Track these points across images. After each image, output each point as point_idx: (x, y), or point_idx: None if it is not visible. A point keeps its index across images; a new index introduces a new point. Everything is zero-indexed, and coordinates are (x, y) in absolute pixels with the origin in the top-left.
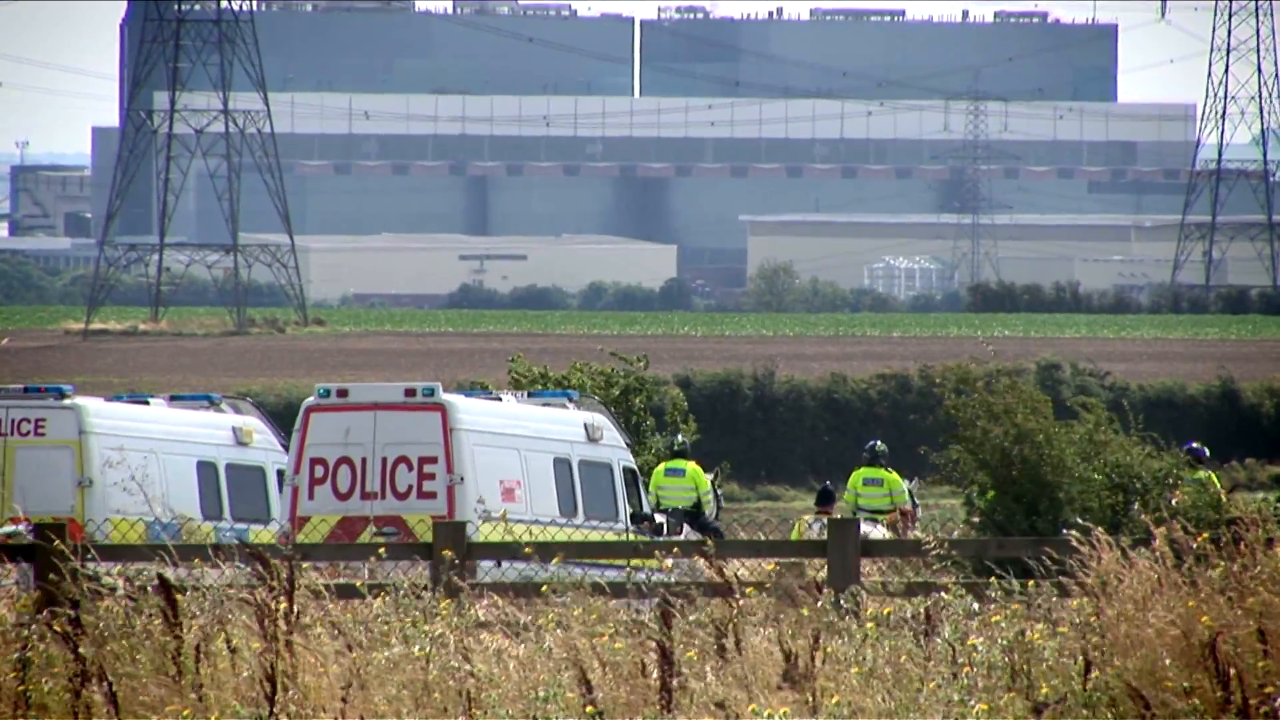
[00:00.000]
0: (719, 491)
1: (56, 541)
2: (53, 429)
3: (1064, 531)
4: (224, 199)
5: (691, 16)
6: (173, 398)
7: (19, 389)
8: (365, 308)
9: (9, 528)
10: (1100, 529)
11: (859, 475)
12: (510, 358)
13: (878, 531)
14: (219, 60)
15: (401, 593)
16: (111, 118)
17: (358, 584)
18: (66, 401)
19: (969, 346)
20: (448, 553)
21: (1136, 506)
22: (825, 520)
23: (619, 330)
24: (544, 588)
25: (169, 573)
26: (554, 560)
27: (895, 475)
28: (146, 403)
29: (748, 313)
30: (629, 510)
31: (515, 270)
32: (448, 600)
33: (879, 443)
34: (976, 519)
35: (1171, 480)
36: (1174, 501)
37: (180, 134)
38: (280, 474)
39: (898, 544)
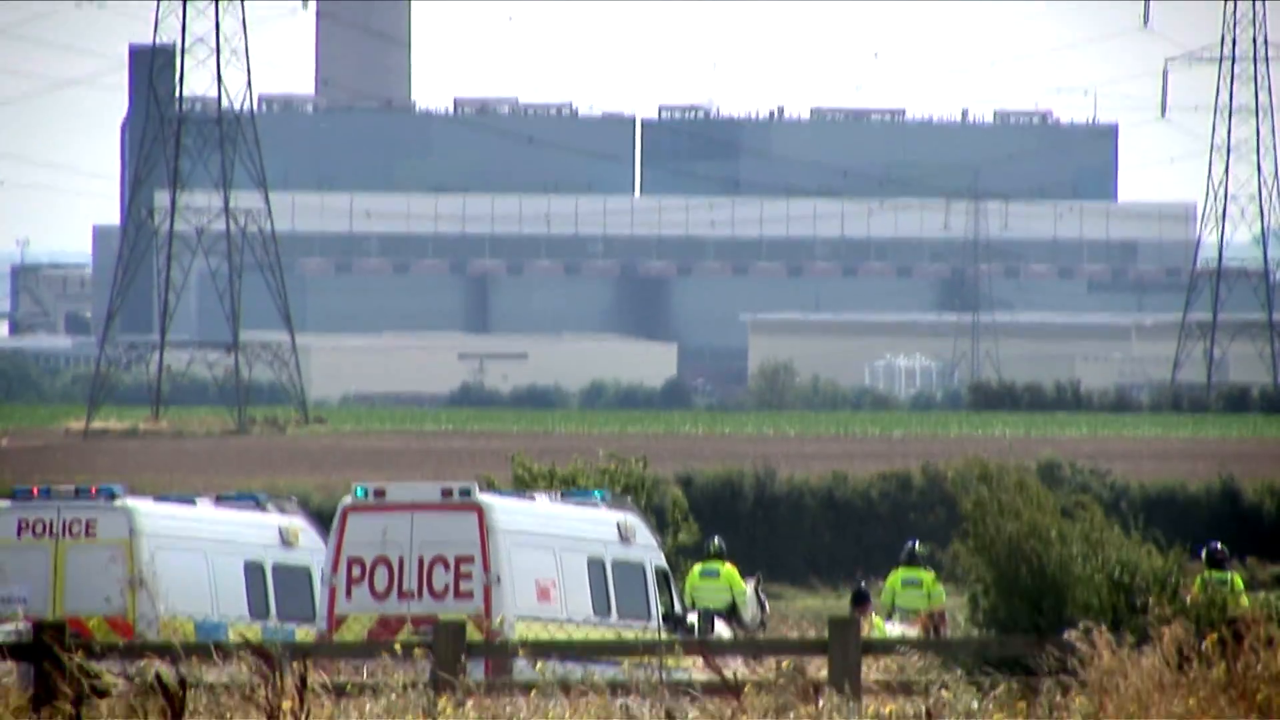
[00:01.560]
0: (763, 596)
1: (60, 640)
2: (103, 529)
3: (1066, 631)
4: (225, 298)
5: (692, 115)
6: (219, 498)
7: (70, 490)
8: (366, 406)
9: (8, 627)
10: (1103, 627)
11: (898, 576)
12: (511, 456)
13: (913, 633)
14: (220, 159)
15: (401, 691)
16: (112, 216)
17: (349, 684)
18: (117, 502)
19: (970, 445)
20: (437, 652)
21: (1150, 603)
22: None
23: (620, 429)
24: (534, 689)
25: (170, 672)
26: (531, 659)
27: (933, 575)
28: (193, 503)
29: (749, 411)
30: (661, 610)
31: (516, 369)
32: (445, 698)
33: (917, 543)
34: (980, 618)
35: (1173, 579)
36: (1188, 600)
37: (181, 232)
38: None
39: (899, 643)
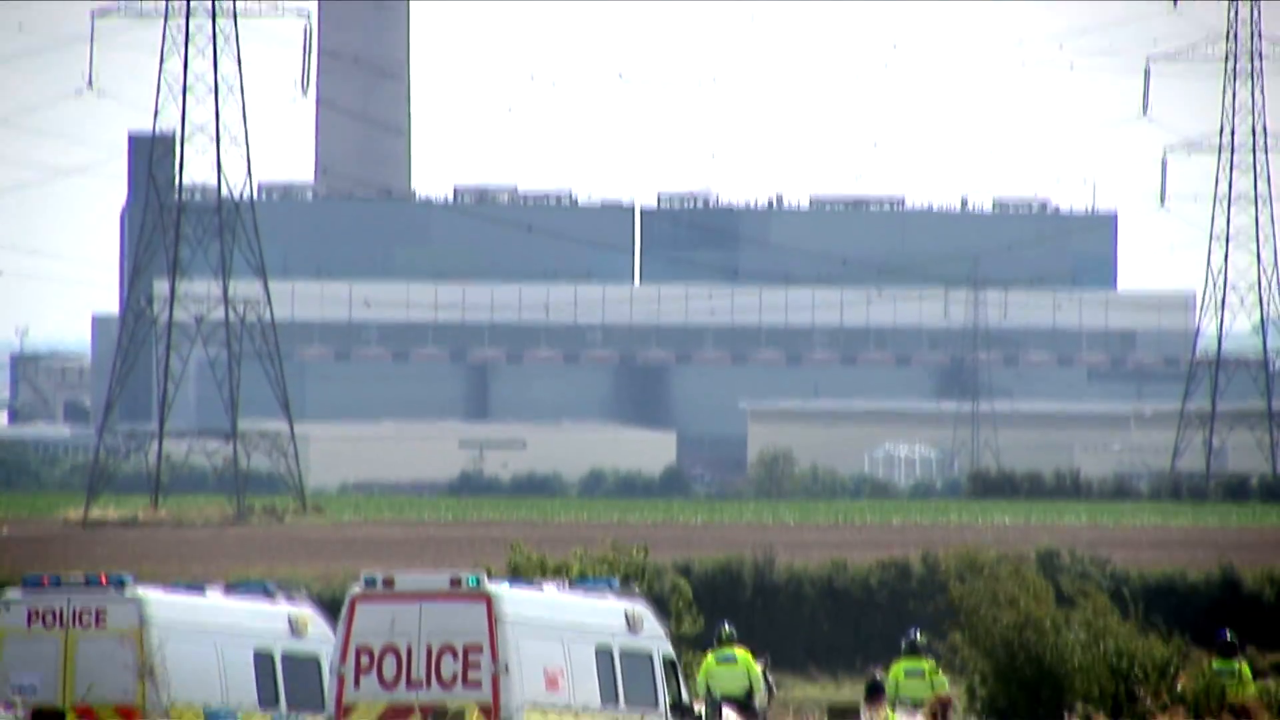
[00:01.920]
0: (770, 679)
1: None
2: (113, 619)
3: (1066, 716)
4: (224, 386)
5: (691, 204)
6: (228, 587)
7: (80, 579)
8: (365, 495)
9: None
10: (1102, 714)
11: (899, 668)
12: (511, 545)
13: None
14: (219, 247)
15: None
16: (111, 304)
17: None
18: (127, 592)
19: (970, 534)
20: None
21: (1145, 691)
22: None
23: (619, 517)
24: None
25: None
26: None
27: (933, 664)
28: (202, 592)
29: (748, 499)
30: (669, 699)
31: (515, 457)
32: None
33: (918, 633)
34: (979, 706)
35: (1172, 668)
36: (1179, 687)
37: (180, 321)
38: None
39: None
